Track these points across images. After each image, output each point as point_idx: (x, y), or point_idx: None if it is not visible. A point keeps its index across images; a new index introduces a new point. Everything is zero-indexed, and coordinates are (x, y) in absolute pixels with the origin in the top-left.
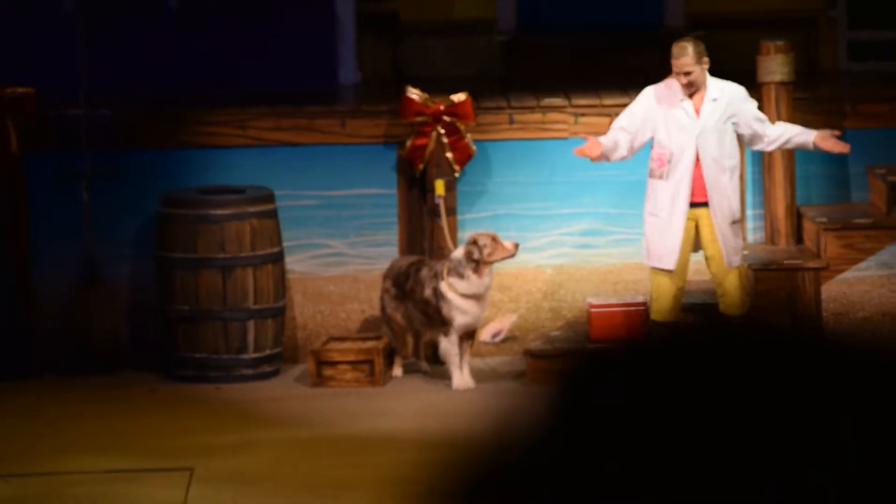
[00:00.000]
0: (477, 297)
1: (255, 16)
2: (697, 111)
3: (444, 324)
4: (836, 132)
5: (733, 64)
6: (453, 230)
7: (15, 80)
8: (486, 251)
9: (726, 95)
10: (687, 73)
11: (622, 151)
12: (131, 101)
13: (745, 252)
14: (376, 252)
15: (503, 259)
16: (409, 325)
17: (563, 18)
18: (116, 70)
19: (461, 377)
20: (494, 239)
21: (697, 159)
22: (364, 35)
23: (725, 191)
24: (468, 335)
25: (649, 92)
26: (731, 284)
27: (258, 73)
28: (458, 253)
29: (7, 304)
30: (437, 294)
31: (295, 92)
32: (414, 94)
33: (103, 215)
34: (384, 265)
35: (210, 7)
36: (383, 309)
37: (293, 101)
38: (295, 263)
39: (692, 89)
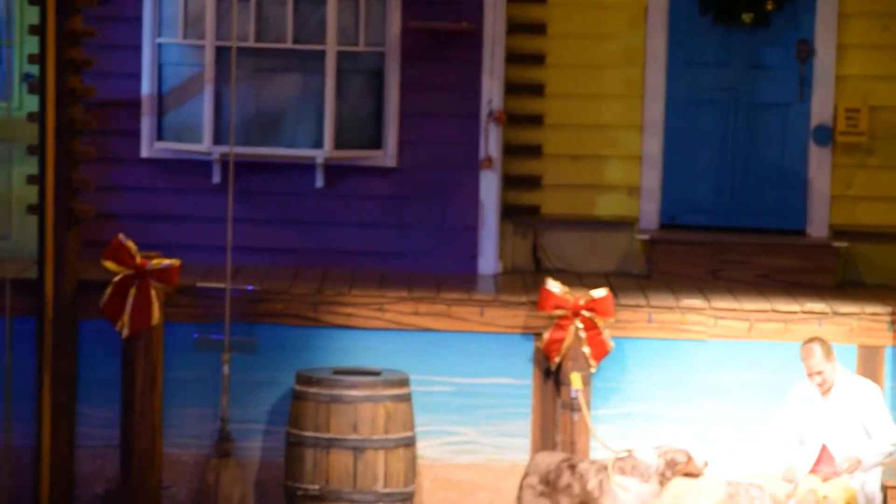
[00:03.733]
0: (645, 502)
1: (399, 198)
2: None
3: None
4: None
5: (875, 277)
6: (584, 427)
7: (161, 251)
8: (679, 467)
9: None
10: (819, 373)
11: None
12: (273, 275)
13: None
14: (508, 442)
15: (692, 476)
16: None
17: (704, 218)
18: (261, 244)
19: None
20: (689, 457)
21: None
22: (506, 225)
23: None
24: None
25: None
26: None
27: (399, 256)
28: (648, 457)
29: (135, 467)
30: (603, 489)
31: (434, 277)
32: (554, 286)
33: (239, 387)
34: (515, 455)
35: (352, 186)
36: (520, 502)
37: (432, 286)
38: (426, 449)
39: (825, 387)
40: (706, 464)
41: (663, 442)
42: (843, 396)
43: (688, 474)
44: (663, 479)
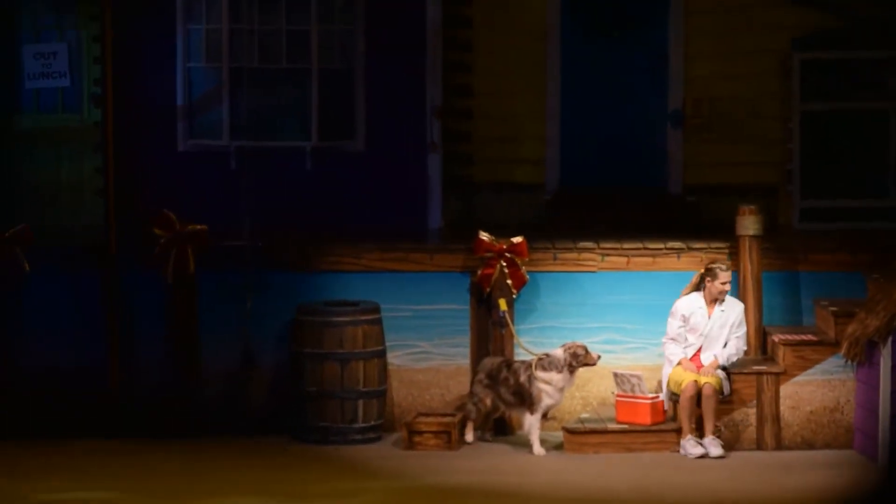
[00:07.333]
0: (562, 389)
1: (367, 173)
2: (709, 316)
3: (532, 403)
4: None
5: (717, 221)
6: (510, 337)
7: (194, 219)
8: (580, 358)
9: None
10: (728, 285)
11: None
12: (276, 235)
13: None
14: (454, 351)
15: (589, 366)
16: (492, 407)
17: (593, 181)
18: (267, 212)
19: (539, 447)
20: (587, 350)
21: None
22: (448, 191)
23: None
24: (544, 415)
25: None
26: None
27: (368, 218)
28: (558, 354)
29: (181, 379)
30: (531, 380)
31: (396, 232)
32: (484, 236)
33: (254, 317)
34: (459, 361)
35: (334, 166)
36: (473, 393)
37: (394, 238)
38: (394, 358)
39: (722, 298)
40: (599, 356)
41: (567, 340)
42: (726, 306)
43: (586, 364)
44: (571, 369)
